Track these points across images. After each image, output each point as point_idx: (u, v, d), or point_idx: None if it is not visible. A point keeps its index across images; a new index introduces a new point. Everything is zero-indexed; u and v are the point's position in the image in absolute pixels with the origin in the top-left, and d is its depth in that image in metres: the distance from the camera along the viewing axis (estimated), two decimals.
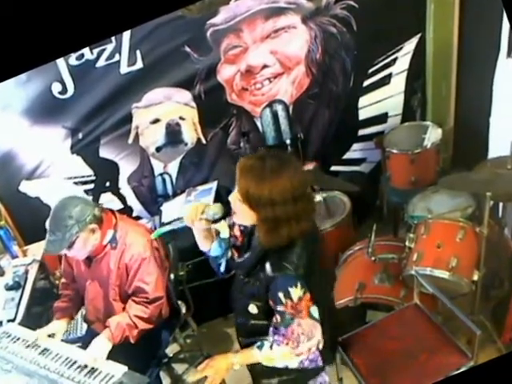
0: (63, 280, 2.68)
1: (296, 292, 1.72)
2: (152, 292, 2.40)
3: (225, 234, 2.04)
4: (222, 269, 2.05)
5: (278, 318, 1.79)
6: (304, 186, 1.71)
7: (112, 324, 2.37)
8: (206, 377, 1.90)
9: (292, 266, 1.72)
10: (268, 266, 1.75)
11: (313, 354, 1.89)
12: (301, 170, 1.74)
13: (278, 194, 1.62)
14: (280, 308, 1.75)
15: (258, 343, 1.89)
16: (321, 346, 1.86)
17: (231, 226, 2.02)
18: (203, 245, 2.01)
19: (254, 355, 1.88)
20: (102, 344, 2.32)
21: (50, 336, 2.45)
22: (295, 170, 1.67)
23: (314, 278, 1.80)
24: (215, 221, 1.91)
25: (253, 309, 1.87)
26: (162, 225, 3.12)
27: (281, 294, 1.73)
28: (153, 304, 2.41)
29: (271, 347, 1.85)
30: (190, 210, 1.89)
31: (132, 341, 2.38)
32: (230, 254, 2.02)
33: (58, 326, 2.52)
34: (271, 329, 1.86)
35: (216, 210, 1.87)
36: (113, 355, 2.31)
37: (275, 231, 1.68)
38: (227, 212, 1.85)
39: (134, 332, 2.37)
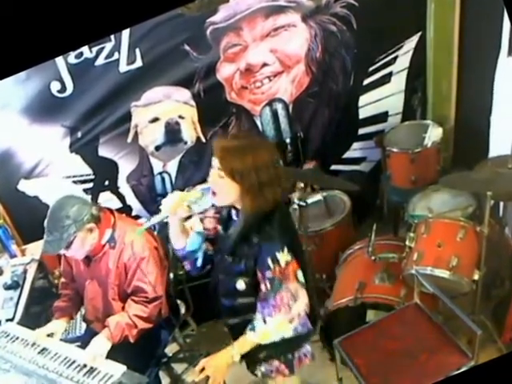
0: (63, 280, 2.68)
1: (283, 257, 1.82)
2: (151, 291, 2.39)
3: (199, 228, 2.08)
4: (199, 263, 2.09)
5: (267, 285, 1.84)
6: (275, 155, 1.86)
7: (111, 323, 2.36)
8: (207, 377, 1.90)
9: (276, 232, 1.83)
10: (254, 238, 1.83)
11: (303, 319, 1.94)
12: (268, 142, 1.96)
13: (261, 161, 1.77)
14: (269, 274, 1.82)
15: (249, 326, 1.91)
16: (307, 309, 1.92)
17: (202, 220, 2.08)
18: (179, 240, 2.03)
19: (250, 338, 1.92)
20: (101, 343, 2.32)
21: (49, 336, 2.44)
22: (266, 141, 1.99)
23: (297, 244, 1.97)
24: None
25: (240, 285, 1.91)
26: (161, 223, 3.08)
27: (269, 260, 1.81)
28: (152, 303, 2.40)
29: (265, 321, 1.88)
30: (170, 199, 1.92)
31: (131, 340, 2.37)
32: (205, 247, 2.07)
33: (58, 325, 2.52)
34: (259, 305, 1.90)
35: (196, 195, 1.93)
36: (112, 354, 2.30)
37: (261, 196, 1.79)
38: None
39: (133, 331, 2.37)
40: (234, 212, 1.96)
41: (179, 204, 1.90)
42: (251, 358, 2.07)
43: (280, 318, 1.87)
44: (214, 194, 1.86)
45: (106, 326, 2.37)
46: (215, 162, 1.81)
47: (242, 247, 1.88)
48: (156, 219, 1.94)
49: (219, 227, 2.05)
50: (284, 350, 2.04)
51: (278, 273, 1.81)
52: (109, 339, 2.33)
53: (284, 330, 1.91)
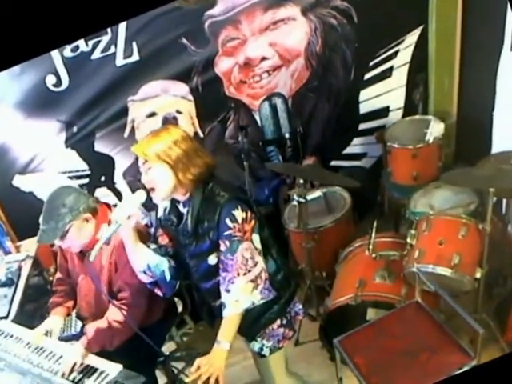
0: (58, 275, 2.66)
1: (239, 214, 1.89)
2: (133, 294, 2.35)
3: (153, 246, 2.08)
4: (168, 276, 2.07)
5: (226, 243, 1.89)
6: (185, 132, 1.96)
7: (89, 330, 2.33)
8: (201, 375, 1.88)
9: (224, 194, 1.91)
10: (208, 211, 1.90)
11: (266, 284, 1.96)
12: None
13: (175, 133, 1.89)
14: (227, 232, 1.88)
15: (222, 307, 1.95)
16: (266, 275, 1.96)
17: (156, 240, 2.10)
18: (139, 256, 2.03)
19: (226, 317, 1.96)
20: (77, 352, 2.27)
21: (46, 334, 2.43)
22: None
23: (252, 205, 1.98)
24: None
25: (213, 260, 1.97)
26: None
27: (227, 220, 1.88)
28: (132, 308, 2.35)
29: (228, 291, 1.92)
30: (119, 206, 1.98)
31: (109, 348, 2.32)
32: (167, 262, 2.06)
33: (55, 321, 2.51)
34: (221, 278, 1.93)
35: (142, 195, 1.95)
36: (108, 353, 2.28)
37: (191, 165, 1.87)
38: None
39: (112, 339, 2.33)
40: (181, 206, 2.01)
41: (129, 209, 1.92)
42: (248, 331, 2.11)
43: (241, 281, 1.90)
44: (152, 190, 1.91)
45: (84, 333, 2.34)
46: (140, 162, 1.93)
47: (201, 225, 1.93)
48: (110, 231, 1.94)
49: (173, 233, 2.06)
50: (276, 312, 2.09)
51: (236, 230, 1.88)
52: (86, 347, 2.28)
53: (250, 294, 1.92)
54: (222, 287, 1.94)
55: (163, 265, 2.06)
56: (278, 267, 2.08)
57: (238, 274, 1.90)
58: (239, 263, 1.89)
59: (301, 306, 2.22)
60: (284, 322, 2.13)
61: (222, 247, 1.91)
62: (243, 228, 1.89)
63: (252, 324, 2.07)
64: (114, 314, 2.33)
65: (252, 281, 1.91)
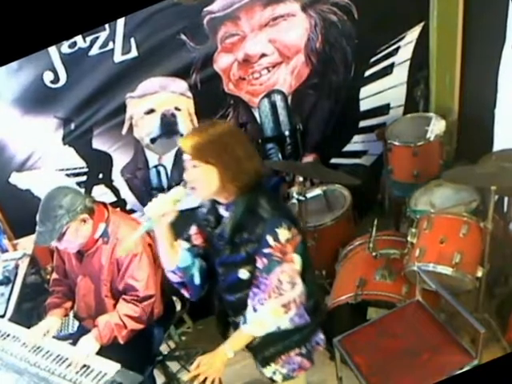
0: (55, 276, 2.64)
1: (283, 233, 1.77)
2: (143, 290, 2.35)
3: (186, 245, 1.98)
4: (197, 281, 1.98)
5: (263, 260, 1.78)
6: (240, 130, 1.87)
7: (100, 323, 2.33)
8: (199, 375, 1.85)
9: (269, 207, 1.78)
10: (251, 221, 1.78)
11: (300, 309, 1.88)
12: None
13: (225, 135, 1.76)
14: (267, 250, 1.77)
15: (242, 319, 1.88)
16: (303, 299, 1.86)
17: (189, 239, 2.00)
18: (171, 257, 1.91)
19: (243, 332, 1.88)
20: (89, 344, 2.29)
21: (44, 335, 2.41)
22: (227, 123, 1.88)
23: (298, 223, 1.88)
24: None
25: (244, 274, 1.86)
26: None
27: (269, 237, 1.76)
28: (143, 303, 2.36)
29: (255, 310, 1.83)
30: (155, 202, 1.80)
31: (121, 341, 2.33)
32: (198, 262, 1.97)
33: (52, 322, 2.49)
34: (251, 292, 1.84)
35: (180, 192, 1.81)
36: (105, 352, 2.28)
37: (241, 171, 1.75)
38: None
39: (122, 332, 2.33)
40: (222, 208, 1.89)
41: (164, 207, 1.79)
42: (262, 355, 2.01)
43: (272, 304, 1.81)
44: (193, 189, 1.79)
45: (96, 325, 2.33)
46: (185, 156, 1.77)
47: (239, 235, 1.81)
48: (144, 228, 1.83)
49: (209, 236, 1.96)
50: (297, 340, 1.98)
51: (277, 250, 1.77)
52: (97, 340, 2.29)
53: (278, 318, 1.84)
54: (250, 303, 1.85)
55: (194, 267, 1.96)
56: (310, 292, 1.94)
57: (270, 297, 1.80)
58: (273, 285, 1.79)
59: (322, 337, 2.09)
60: (303, 351, 2.02)
61: (259, 264, 1.80)
62: (285, 248, 1.78)
63: (267, 347, 1.98)
64: (126, 309, 2.34)
65: (284, 305, 1.82)
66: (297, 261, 1.83)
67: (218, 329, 2.16)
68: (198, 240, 2.00)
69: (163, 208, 1.78)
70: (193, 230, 2.01)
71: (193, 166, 1.75)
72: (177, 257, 1.91)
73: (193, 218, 2.03)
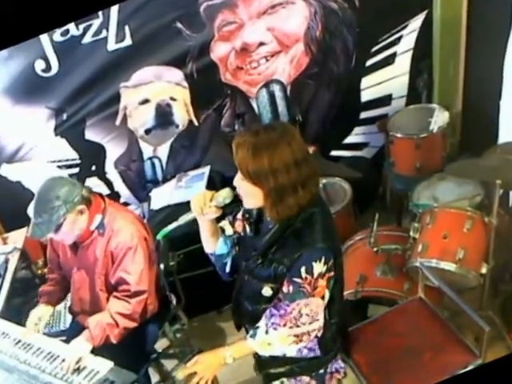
0: (49, 266, 2.63)
1: (318, 267, 1.69)
2: (135, 284, 2.30)
3: (229, 231, 1.97)
4: (228, 268, 1.98)
5: (290, 288, 1.72)
6: (304, 151, 1.69)
7: (91, 324, 2.28)
8: (195, 373, 1.81)
9: (319, 237, 1.70)
10: (291, 243, 1.71)
11: (311, 342, 1.83)
12: (298, 136, 1.71)
13: (278, 162, 1.61)
14: (297, 280, 1.70)
15: (251, 332, 1.83)
16: (319, 333, 1.80)
17: (232, 223, 1.98)
18: (209, 244, 1.94)
19: (248, 345, 1.83)
20: (81, 346, 2.25)
21: (35, 324, 2.39)
22: (292, 137, 1.67)
23: (339, 256, 1.82)
24: (225, 206, 1.83)
25: (267, 291, 1.80)
26: (151, 212, 3.11)
27: (303, 269, 1.69)
28: (135, 298, 2.31)
29: (267, 332, 1.78)
30: (197, 198, 1.80)
31: (114, 341, 2.29)
32: (234, 252, 1.97)
33: (43, 311, 2.47)
34: (268, 311, 1.79)
35: (225, 194, 1.79)
36: (98, 350, 2.25)
37: (282, 202, 1.66)
38: (236, 196, 1.79)
39: (115, 331, 2.28)
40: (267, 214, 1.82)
41: (206, 204, 1.78)
42: (266, 372, 1.98)
43: (284, 332, 1.76)
44: (240, 196, 1.75)
45: (86, 326, 2.30)
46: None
47: (274, 251, 1.75)
48: (183, 220, 1.84)
49: (248, 229, 1.92)
50: (305, 367, 1.93)
51: (307, 283, 1.69)
52: (89, 341, 2.26)
53: (287, 347, 1.79)
54: (264, 321, 1.80)
55: (229, 257, 1.96)
56: (332, 323, 1.88)
57: (285, 325, 1.75)
58: (292, 315, 1.73)
59: (343, 364, 2.01)
60: (314, 375, 1.96)
61: (285, 288, 1.73)
62: (316, 283, 1.70)
63: (273, 366, 1.94)
64: (117, 307, 2.30)
65: (296, 335, 1.76)
66: (326, 296, 1.75)
67: (233, 318, 2.10)
68: (239, 227, 1.96)
69: (203, 205, 1.78)
70: (240, 215, 1.96)
71: (241, 176, 1.69)
72: (216, 244, 1.93)
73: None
